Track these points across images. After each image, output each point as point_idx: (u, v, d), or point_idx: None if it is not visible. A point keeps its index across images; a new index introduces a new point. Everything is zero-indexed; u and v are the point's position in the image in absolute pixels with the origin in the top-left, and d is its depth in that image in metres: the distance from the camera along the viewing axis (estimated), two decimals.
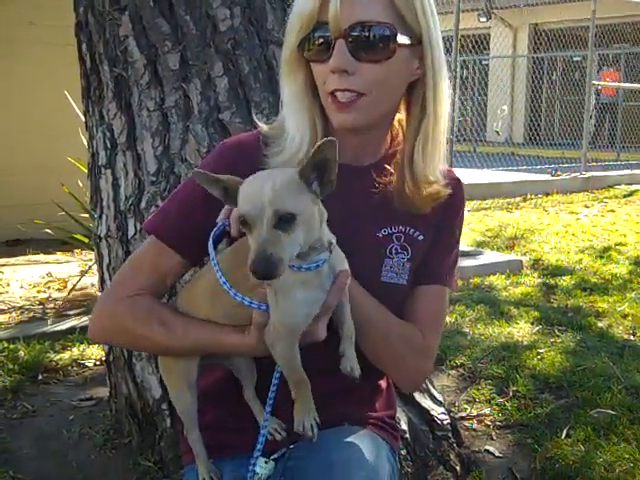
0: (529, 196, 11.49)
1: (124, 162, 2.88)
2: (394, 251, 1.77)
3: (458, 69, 12.86)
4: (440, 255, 1.83)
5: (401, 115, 1.80)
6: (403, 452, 2.76)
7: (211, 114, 2.77)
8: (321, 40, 1.61)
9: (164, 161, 2.80)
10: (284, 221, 1.35)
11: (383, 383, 1.95)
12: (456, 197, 1.81)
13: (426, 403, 3.00)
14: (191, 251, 1.71)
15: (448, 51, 12.84)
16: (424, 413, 2.97)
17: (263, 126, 1.77)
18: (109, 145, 2.92)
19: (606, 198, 11.64)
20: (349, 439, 1.72)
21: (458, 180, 1.83)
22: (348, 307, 1.60)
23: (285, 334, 1.50)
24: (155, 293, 1.73)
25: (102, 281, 3.07)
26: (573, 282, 5.90)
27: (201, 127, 2.77)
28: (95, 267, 3.34)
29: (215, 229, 1.61)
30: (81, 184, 4.83)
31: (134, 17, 2.80)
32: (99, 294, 3.18)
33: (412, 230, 1.78)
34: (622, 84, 17.63)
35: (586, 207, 10.59)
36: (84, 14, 2.93)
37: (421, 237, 1.79)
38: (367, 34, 1.58)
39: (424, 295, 1.81)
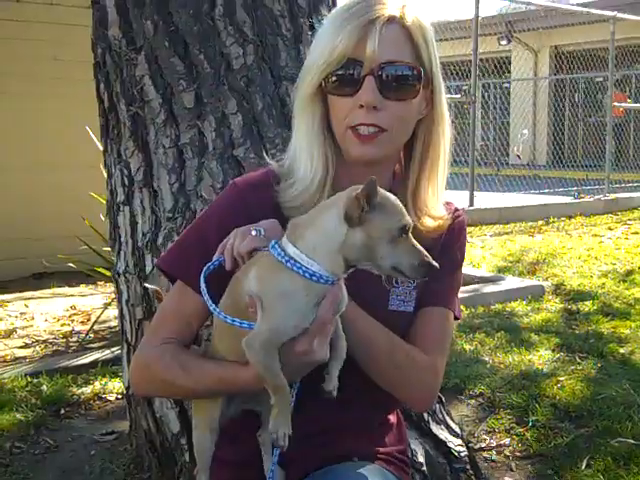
0: (552, 219, 11.44)
1: (141, 199, 2.93)
2: (400, 280, 1.80)
3: (478, 93, 12.89)
4: (441, 278, 1.86)
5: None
6: None
7: (225, 151, 2.82)
8: (350, 76, 1.68)
9: (180, 198, 2.84)
10: None
11: (392, 418, 1.97)
12: (455, 225, 1.88)
13: (443, 435, 3.00)
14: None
15: (467, 76, 12.89)
16: (441, 445, 2.96)
17: (273, 163, 1.83)
18: (127, 183, 2.98)
19: (630, 220, 11.53)
20: (359, 473, 1.73)
21: (457, 209, 1.92)
22: (340, 328, 1.61)
23: (267, 339, 1.50)
24: (182, 339, 1.78)
25: (122, 316, 3.11)
26: (595, 307, 5.86)
27: (216, 163, 2.82)
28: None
29: (209, 264, 1.65)
30: (103, 218, 4.90)
31: (150, 57, 2.86)
32: (119, 328, 3.23)
33: None
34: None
35: (610, 229, 10.52)
36: (102, 55, 3.00)
37: None
38: (397, 73, 1.69)
39: (427, 317, 1.84)
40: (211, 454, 1.72)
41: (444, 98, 1.79)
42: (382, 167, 1.81)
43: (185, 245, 1.84)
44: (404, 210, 1.52)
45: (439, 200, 1.83)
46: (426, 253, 1.51)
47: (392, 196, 1.53)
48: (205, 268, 1.64)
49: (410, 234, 1.51)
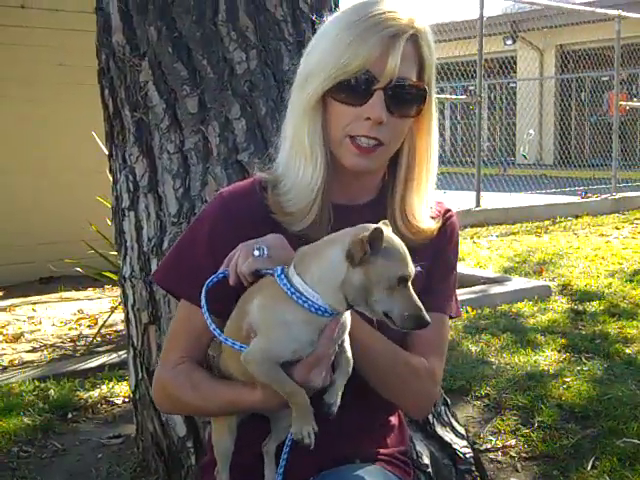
0: (558, 219, 11.44)
1: (146, 204, 2.95)
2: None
3: (484, 93, 12.89)
4: (436, 283, 1.89)
5: None
6: None
7: (230, 155, 2.84)
8: (361, 87, 1.67)
9: (185, 202, 2.86)
10: None
11: (394, 419, 1.99)
12: (447, 226, 1.91)
13: (448, 437, 3.01)
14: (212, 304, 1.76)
15: (473, 76, 12.88)
16: (446, 447, 2.97)
17: (261, 173, 1.85)
18: (132, 188, 2.99)
19: (637, 219, 11.52)
20: (361, 476, 1.75)
21: (448, 210, 1.93)
22: (347, 341, 1.63)
23: (263, 358, 1.54)
24: (194, 356, 1.82)
25: (128, 321, 3.12)
26: (602, 307, 5.86)
27: (220, 168, 2.83)
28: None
29: (213, 277, 1.67)
30: (109, 222, 4.92)
31: (153, 63, 2.87)
32: (125, 332, 3.24)
33: None
34: None
35: (616, 229, 10.50)
36: (106, 61, 3.02)
37: (418, 268, 1.84)
38: (406, 92, 1.70)
39: None
40: (230, 455, 1.77)
41: (434, 110, 1.81)
42: (371, 176, 1.84)
43: (178, 259, 1.86)
44: (408, 258, 1.52)
45: (426, 209, 1.85)
46: (421, 306, 1.51)
47: (398, 242, 1.53)
48: (208, 281, 1.66)
49: (410, 284, 1.51)
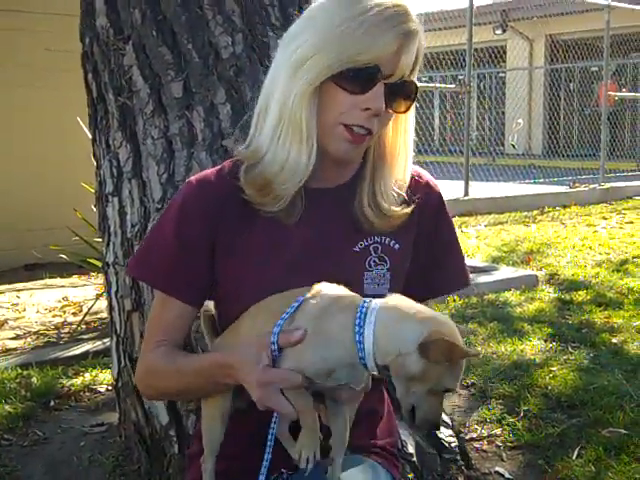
0: (547, 209, 11.45)
1: (130, 190, 2.91)
2: (373, 263, 1.80)
3: (473, 83, 12.87)
4: (439, 269, 1.91)
5: None
6: (410, 476, 2.76)
7: (215, 141, 2.80)
8: (367, 76, 1.64)
9: (169, 188, 2.83)
10: None
11: (382, 409, 1.97)
12: (430, 205, 1.88)
13: None
14: (184, 293, 1.78)
15: (462, 65, 12.86)
16: (431, 436, 2.96)
17: (240, 151, 1.80)
18: (115, 173, 2.95)
19: (625, 209, 11.56)
20: (349, 467, 1.73)
21: (428, 183, 1.89)
22: (347, 414, 1.63)
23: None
24: (174, 339, 1.81)
25: (111, 308, 3.09)
26: (589, 297, 5.86)
27: (205, 154, 2.80)
28: None
29: None
30: (95, 209, 4.87)
31: (138, 47, 2.83)
32: (108, 319, 3.21)
33: (388, 239, 1.82)
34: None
35: (604, 219, 10.52)
36: (89, 44, 2.98)
37: (397, 246, 1.83)
38: (404, 89, 1.69)
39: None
40: (219, 444, 1.75)
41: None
42: (351, 164, 1.82)
43: (149, 249, 1.85)
44: (461, 375, 1.48)
45: (391, 194, 1.80)
46: (441, 415, 1.54)
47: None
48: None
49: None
